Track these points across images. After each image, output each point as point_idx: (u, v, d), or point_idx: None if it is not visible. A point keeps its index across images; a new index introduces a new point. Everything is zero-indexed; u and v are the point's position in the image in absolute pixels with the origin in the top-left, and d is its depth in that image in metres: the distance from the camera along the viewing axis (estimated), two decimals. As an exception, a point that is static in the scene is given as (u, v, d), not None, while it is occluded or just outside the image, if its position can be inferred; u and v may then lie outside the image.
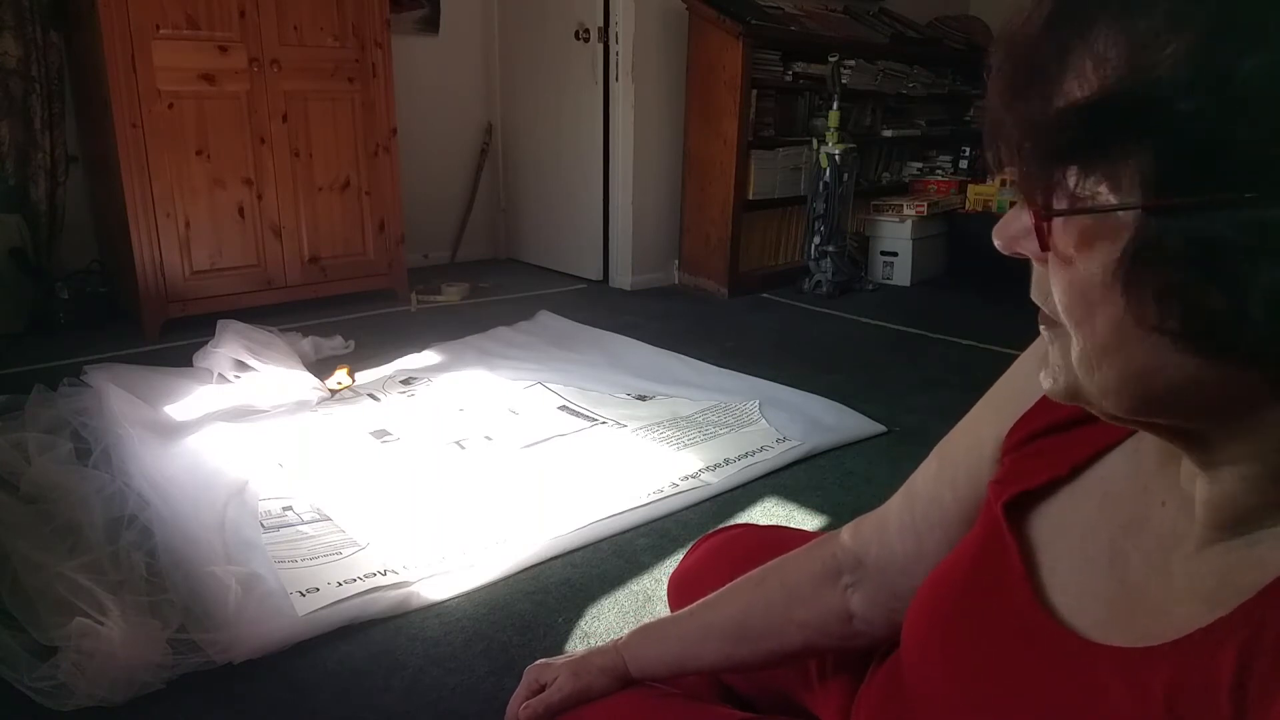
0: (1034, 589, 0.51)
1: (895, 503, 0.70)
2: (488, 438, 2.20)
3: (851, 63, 3.92)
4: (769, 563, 0.76)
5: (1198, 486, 0.43)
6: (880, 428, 2.27)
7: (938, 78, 4.58)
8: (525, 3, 4.08)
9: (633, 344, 3.03)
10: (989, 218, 4.08)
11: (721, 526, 1.09)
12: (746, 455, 2.08)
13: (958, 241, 4.23)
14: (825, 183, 3.72)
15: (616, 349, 2.99)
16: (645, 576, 1.59)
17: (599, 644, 0.83)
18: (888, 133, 4.39)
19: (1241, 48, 0.32)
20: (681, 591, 0.95)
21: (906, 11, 4.65)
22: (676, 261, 4.04)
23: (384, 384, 2.61)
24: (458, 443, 2.17)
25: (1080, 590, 0.49)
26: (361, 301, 3.50)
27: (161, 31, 2.86)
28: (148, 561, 1.55)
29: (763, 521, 1.79)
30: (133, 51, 2.81)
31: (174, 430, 2.16)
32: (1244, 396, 0.37)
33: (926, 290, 4.00)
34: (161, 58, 2.87)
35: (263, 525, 1.74)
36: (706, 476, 1.98)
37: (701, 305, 3.72)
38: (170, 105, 2.92)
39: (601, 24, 3.71)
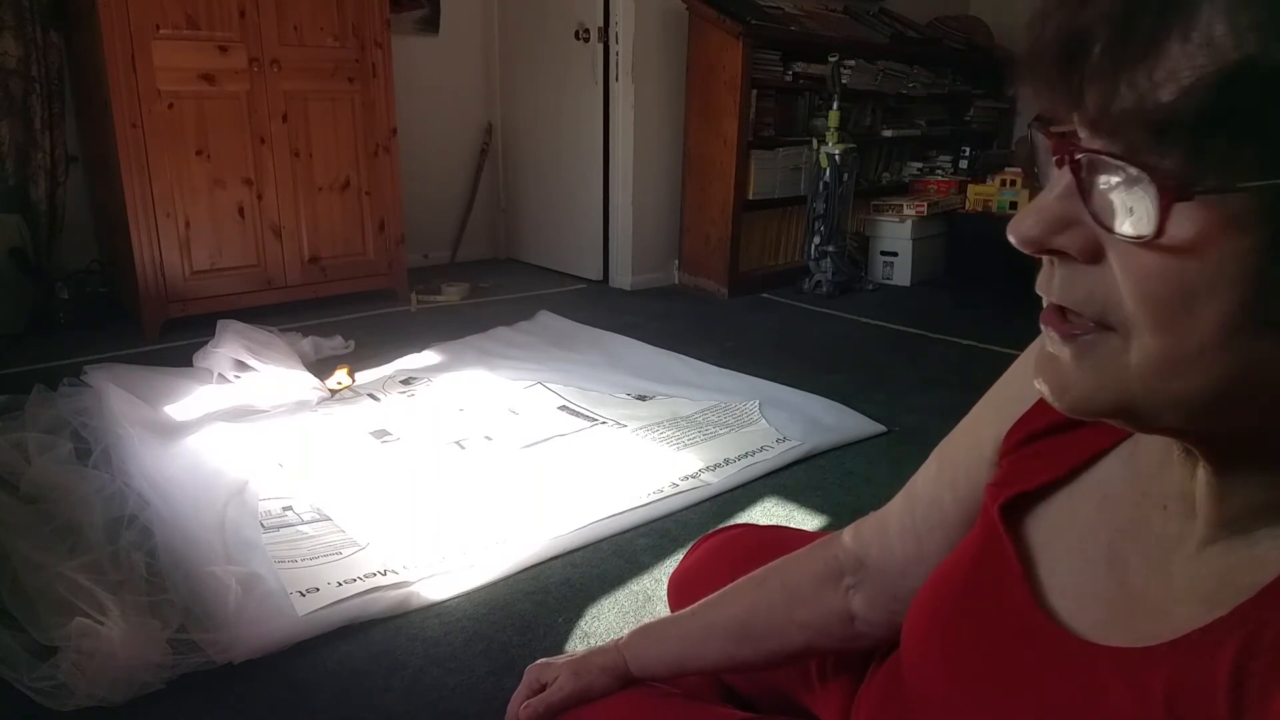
0: (1032, 590, 0.51)
1: (896, 505, 0.70)
2: (488, 438, 2.20)
3: (851, 63, 3.92)
4: (771, 563, 0.76)
5: (1205, 486, 0.43)
6: (880, 428, 2.27)
7: (938, 78, 4.58)
8: (525, 3, 4.08)
9: (633, 344, 3.03)
10: (989, 218, 4.09)
11: (721, 526, 1.09)
12: (746, 455, 2.08)
13: (958, 241, 4.23)
14: (825, 183, 3.72)
15: (616, 349, 2.99)
16: (645, 576, 1.59)
17: (599, 644, 0.83)
18: (888, 133, 4.39)
19: None
20: (681, 591, 0.95)
21: (906, 11, 4.65)
22: (676, 261, 4.04)
23: (384, 384, 2.61)
24: (458, 443, 2.17)
25: (1079, 592, 0.49)
26: (361, 301, 3.50)
27: (161, 31, 2.86)
28: (148, 561, 1.55)
29: (763, 521, 1.79)
30: (133, 51, 2.81)
31: (174, 430, 2.16)
32: None
33: (926, 290, 4.00)
34: (161, 58, 2.87)
35: (263, 525, 1.74)
36: (706, 476, 1.98)
37: (701, 305, 3.72)
38: (170, 105, 2.92)
39: (601, 24, 3.71)
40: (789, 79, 3.82)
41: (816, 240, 3.81)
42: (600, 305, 3.63)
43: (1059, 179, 0.38)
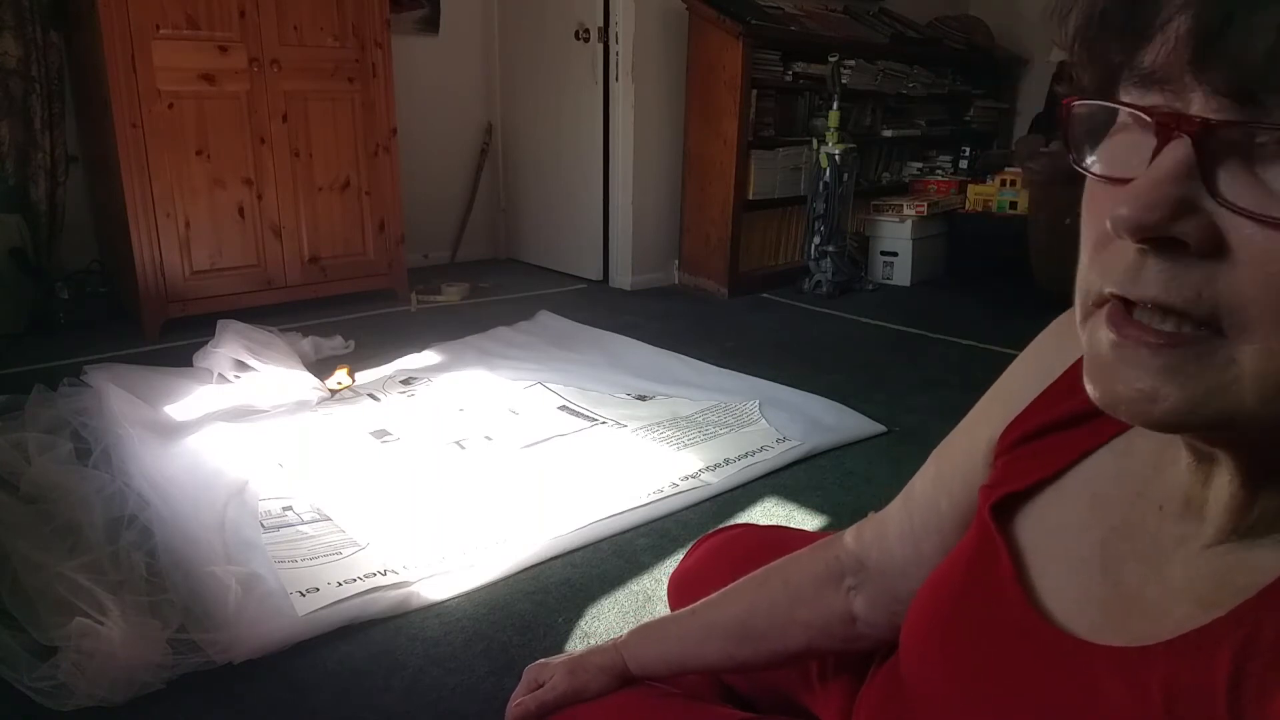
0: (1025, 591, 0.50)
1: (895, 507, 0.70)
2: (488, 438, 2.20)
3: (851, 63, 3.92)
4: (772, 563, 0.76)
5: (1226, 495, 0.41)
6: (880, 428, 2.27)
7: (938, 78, 4.58)
8: (525, 3, 4.08)
9: (633, 344, 3.03)
10: (989, 218, 4.10)
11: (721, 526, 1.09)
12: (746, 455, 2.08)
13: (958, 241, 4.23)
14: (825, 183, 3.72)
15: (616, 349, 2.99)
16: (645, 576, 1.59)
17: (598, 643, 0.83)
18: (888, 133, 4.39)
19: None
20: (681, 591, 0.95)
21: (906, 11, 4.65)
22: (676, 261, 4.04)
23: (384, 384, 2.61)
24: (458, 443, 2.17)
25: (1072, 592, 0.49)
26: (361, 301, 3.50)
27: (161, 31, 2.86)
28: (148, 561, 1.55)
29: (763, 521, 1.79)
30: (133, 51, 2.81)
31: (174, 430, 2.16)
32: None
33: (926, 290, 4.00)
34: (161, 58, 2.87)
35: (263, 525, 1.74)
36: (706, 476, 1.98)
37: (701, 305, 3.72)
38: (170, 105, 2.92)
39: (601, 24, 3.71)
40: (789, 79, 3.82)
41: (816, 240, 3.81)
42: (600, 305, 3.63)
43: (1166, 158, 0.34)
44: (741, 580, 0.77)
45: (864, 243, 4.17)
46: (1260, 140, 0.32)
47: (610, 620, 1.47)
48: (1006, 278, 3.73)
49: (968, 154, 4.67)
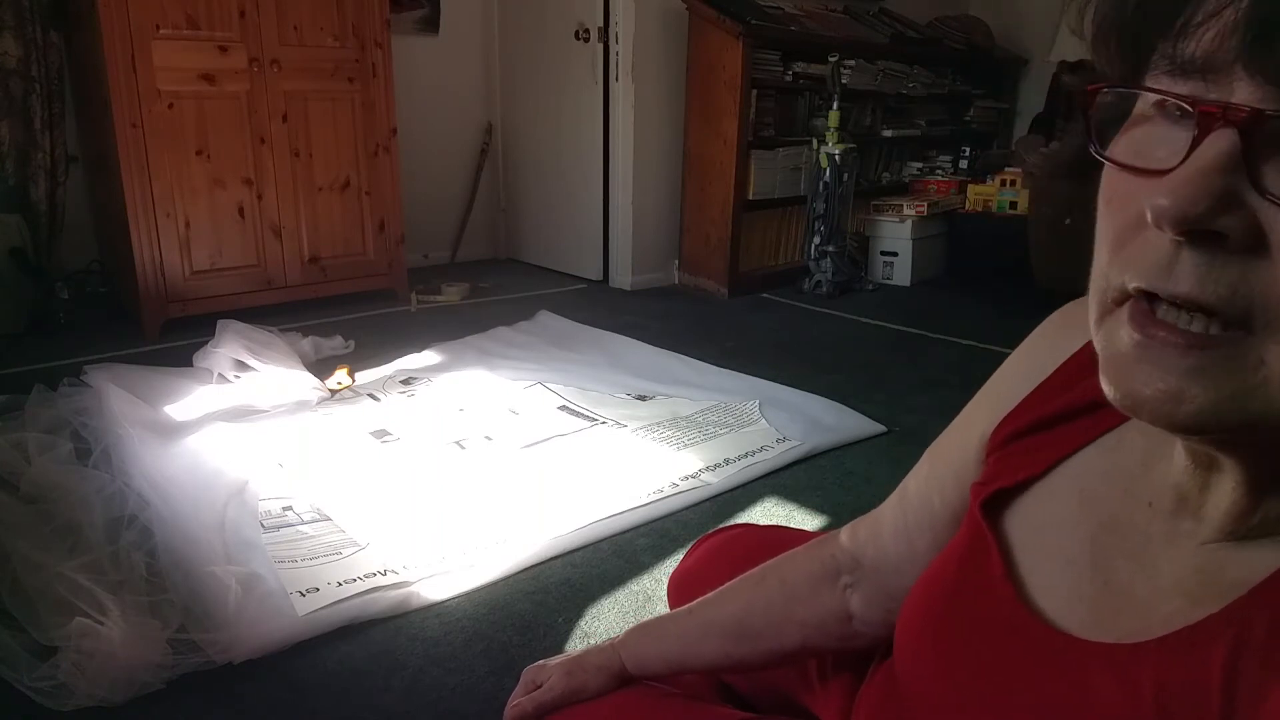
0: (1015, 588, 0.50)
1: (889, 505, 0.70)
2: (488, 438, 2.20)
3: (851, 63, 3.92)
4: (768, 562, 0.76)
5: (1228, 499, 0.41)
6: (880, 428, 2.27)
7: (938, 78, 4.58)
8: (525, 3, 4.08)
9: (633, 344, 3.03)
10: (989, 218, 4.10)
11: (721, 526, 1.09)
12: (746, 455, 2.08)
13: (958, 241, 4.23)
14: (825, 183, 3.72)
15: (616, 349, 2.99)
16: (645, 576, 1.59)
17: (597, 643, 0.83)
18: (888, 133, 4.39)
19: None
20: (681, 591, 0.95)
21: (906, 11, 4.65)
22: (676, 261, 4.04)
23: (384, 384, 2.61)
24: (458, 443, 2.17)
25: (1063, 589, 0.49)
26: (361, 301, 3.50)
27: (161, 31, 2.86)
28: (148, 561, 1.55)
29: (763, 521, 1.79)
30: (133, 51, 2.81)
31: (174, 430, 2.16)
32: None
33: (926, 290, 4.00)
34: (161, 58, 2.87)
35: (263, 525, 1.74)
36: (706, 476, 1.97)
37: (701, 305, 3.72)
38: (170, 105, 2.92)
39: (601, 24, 3.71)
40: (789, 79, 3.82)
41: (816, 240, 3.81)
42: (600, 305, 3.63)
43: (1210, 148, 0.33)
44: (738, 579, 0.77)
45: (864, 243, 4.17)
46: None
47: (610, 620, 1.47)
48: (1006, 278, 3.72)
49: (968, 154, 4.67)
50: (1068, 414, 0.53)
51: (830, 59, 3.73)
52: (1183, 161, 0.33)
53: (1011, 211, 4.03)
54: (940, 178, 4.47)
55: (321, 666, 1.34)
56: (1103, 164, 0.39)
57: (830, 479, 2.00)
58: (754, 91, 3.65)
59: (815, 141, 3.79)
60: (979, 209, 4.16)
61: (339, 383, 2.54)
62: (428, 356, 2.85)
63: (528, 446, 2.14)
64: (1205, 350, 0.34)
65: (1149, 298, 0.36)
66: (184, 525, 1.67)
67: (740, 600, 0.75)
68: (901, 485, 0.69)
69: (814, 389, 2.53)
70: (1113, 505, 0.48)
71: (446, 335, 3.07)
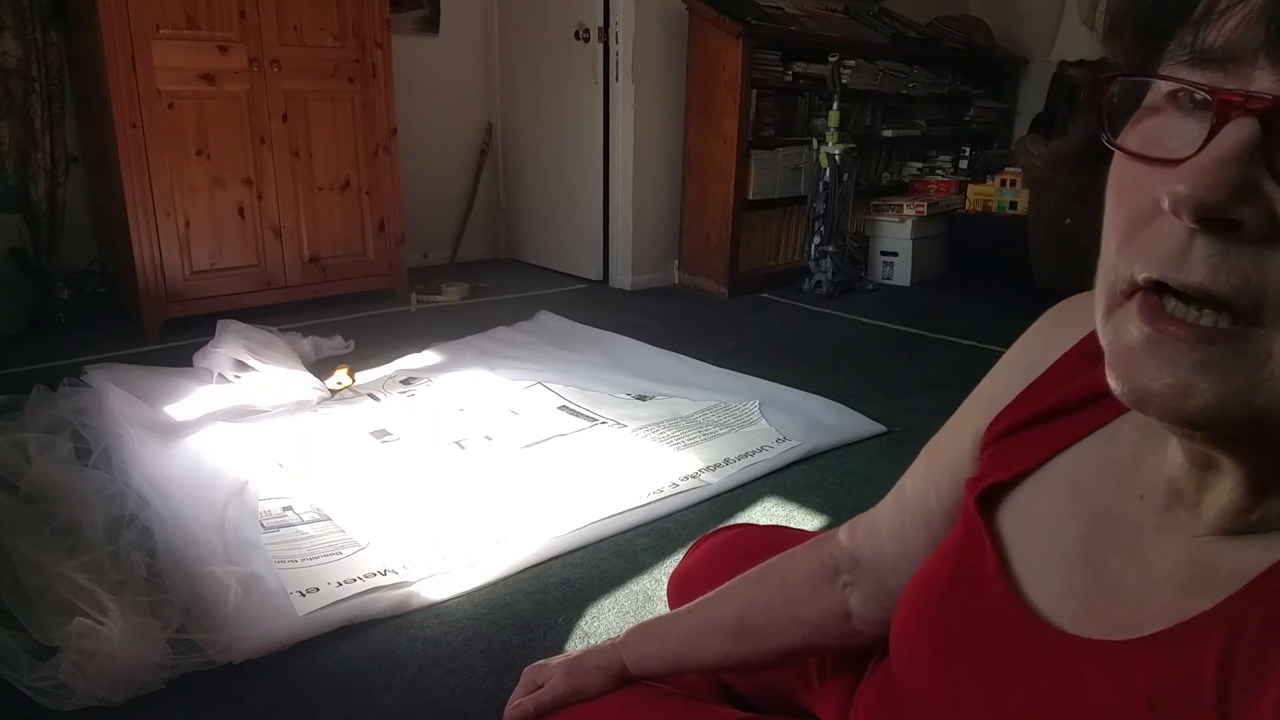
0: (1009, 583, 0.50)
1: (887, 503, 0.70)
2: (488, 438, 2.20)
3: (851, 63, 3.92)
4: (767, 561, 0.76)
5: (1221, 495, 0.41)
6: (880, 428, 2.27)
7: (938, 78, 4.58)
8: (525, 3, 4.08)
9: (633, 344, 3.03)
10: (989, 218, 4.10)
11: (721, 526, 1.09)
12: (746, 455, 2.08)
13: (958, 241, 4.23)
14: (825, 183, 3.72)
15: (616, 349, 2.99)
16: (645, 576, 1.59)
17: (597, 643, 0.83)
18: (888, 133, 4.39)
19: None
20: (681, 591, 0.95)
21: (906, 11, 4.65)
22: (676, 261, 4.04)
23: (384, 384, 2.61)
24: (458, 443, 2.17)
25: (1056, 584, 0.49)
26: (361, 301, 3.50)
27: (161, 31, 2.86)
28: (148, 561, 1.55)
29: (763, 521, 1.79)
30: (133, 51, 2.81)
31: (174, 430, 2.16)
32: None
33: (926, 290, 4.00)
34: (161, 58, 2.87)
35: (263, 525, 1.74)
36: (706, 476, 1.97)
37: (701, 305, 3.72)
38: (170, 105, 2.92)
39: (601, 24, 3.71)
40: (789, 79, 3.82)
41: (816, 240, 3.81)
42: (600, 305, 3.63)
43: (1229, 136, 0.33)
44: (738, 579, 0.77)
45: (864, 243, 4.17)
46: None
47: (610, 620, 1.47)
48: (1006, 278, 3.72)
49: (968, 154, 4.67)
50: (1062, 408, 0.53)
51: (830, 59, 3.73)
52: (1199, 150, 0.33)
53: (1011, 211, 4.03)
54: (940, 178, 4.47)
55: (321, 666, 1.34)
56: (1109, 157, 0.39)
57: (830, 479, 2.00)
58: (754, 91, 3.65)
59: (815, 141, 3.79)
60: (979, 209, 4.16)
61: (339, 383, 2.54)
62: (428, 356, 2.85)
63: (528, 446, 2.14)
64: (1214, 344, 0.34)
65: (1158, 291, 0.36)
66: (184, 525, 1.67)
67: (740, 600, 0.75)
68: (899, 483, 0.69)
69: (814, 389, 2.53)
70: (1105, 499, 0.48)
71: (446, 335, 3.07)
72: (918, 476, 0.67)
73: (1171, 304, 0.35)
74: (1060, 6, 4.50)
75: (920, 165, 4.64)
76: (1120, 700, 0.41)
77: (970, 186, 4.23)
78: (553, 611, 1.49)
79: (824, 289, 3.81)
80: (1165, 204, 0.34)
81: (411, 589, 1.52)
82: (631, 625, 0.82)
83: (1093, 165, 0.41)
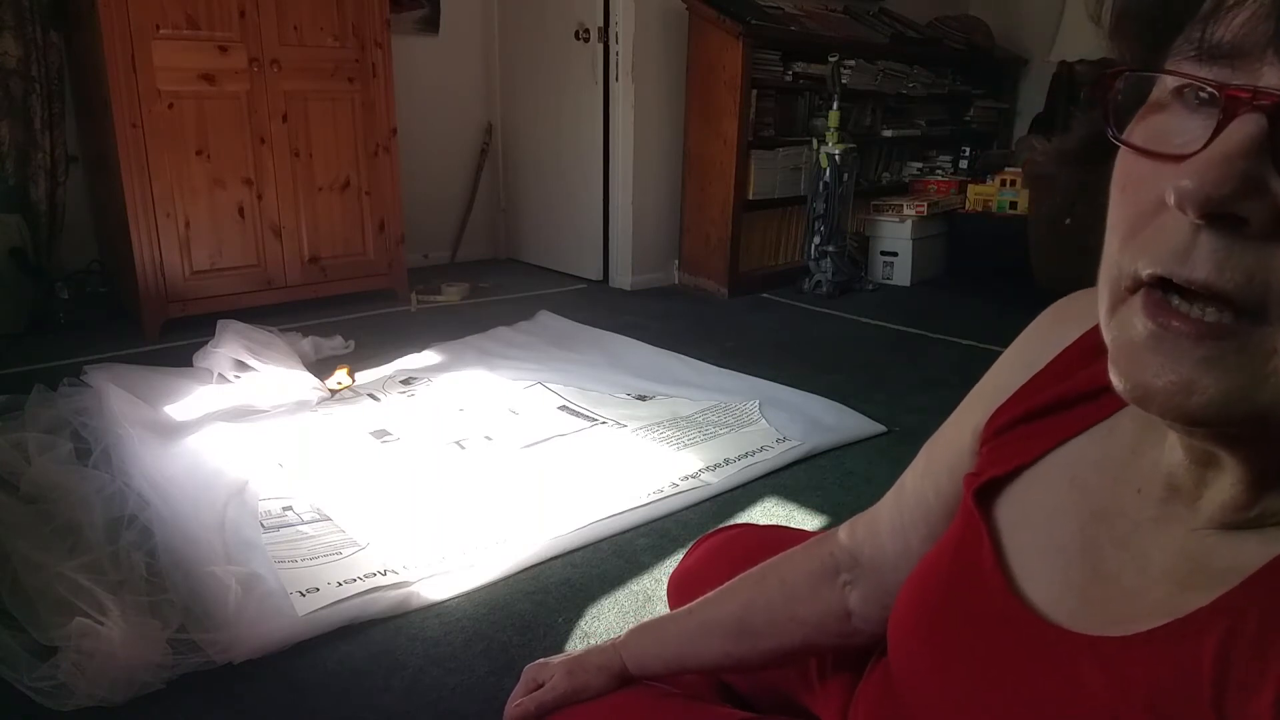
0: (1006, 578, 0.50)
1: (887, 501, 0.70)
2: (488, 438, 2.20)
3: (851, 63, 3.92)
4: (767, 561, 0.76)
5: (1221, 491, 0.41)
6: (880, 428, 2.27)
7: (938, 78, 4.58)
8: (525, 3, 4.08)
9: (633, 344, 3.03)
10: (989, 218, 4.10)
11: (721, 526, 1.09)
12: (746, 455, 2.08)
13: (958, 241, 4.23)
14: (825, 183, 3.72)
15: (616, 349, 2.99)
16: (645, 576, 1.59)
17: (598, 643, 0.83)
18: (888, 133, 4.39)
19: None
20: (681, 591, 0.95)
21: (906, 11, 4.65)
22: (676, 261, 4.04)
23: (384, 384, 2.61)
24: (458, 443, 2.17)
25: (1053, 579, 0.49)
26: (361, 301, 3.50)
27: (161, 31, 2.86)
28: (148, 561, 1.55)
29: (763, 521, 1.79)
30: (133, 51, 2.81)
31: (174, 430, 2.16)
32: None
33: (926, 290, 4.00)
34: (161, 58, 2.87)
35: (263, 525, 1.74)
36: (706, 476, 1.97)
37: (701, 305, 3.72)
38: (170, 105, 2.92)
39: (601, 24, 3.71)
40: (789, 79, 3.82)
41: (816, 240, 3.81)
42: (600, 305, 3.63)
43: (1236, 131, 0.33)
44: (738, 579, 0.77)
45: (864, 243, 4.17)
46: None
47: (610, 620, 1.47)
48: (1006, 278, 3.72)
49: (968, 154, 4.67)
50: (1061, 403, 0.53)
51: (830, 59, 3.73)
52: (1206, 145, 0.33)
53: (1011, 211, 4.03)
54: (940, 178, 4.47)
55: (321, 666, 1.34)
56: (1113, 153, 0.39)
57: (830, 479, 2.00)
58: (754, 91, 3.65)
59: (815, 141, 3.79)
60: (979, 209, 4.16)
61: (339, 383, 2.54)
62: (428, 356, 2.85)
63: (528, 446, 2.14)
64: (1218, 340, 0.34)
65: (1162, 287, 0.36)
66: (184, 525, 1.67)
67: (740, 599, 0.75)
68: (899, 482, 0.69)
69: (814, 389, 2.53)
70: (1102, 494, 0.48)
71: (446, 335, 3.07)
72: (917, 474, 0.67)
73: (1175, 300, 0.35)
74: (1060, 6, 4.50)
75: (920, 165, 4.64)
76: (1117, 698, 0.41)
77: (970, 186, 4.23)
78: (553, 611, 1.49)
79: (824, 289, 3.81)
80: (1171, 199, 0.34)
81: (411, 589, 1.52)
82: (631, 625, 0.82)
83: (1096, 161, 0.40)
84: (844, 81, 3.80)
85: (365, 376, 2.65)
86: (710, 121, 3.70)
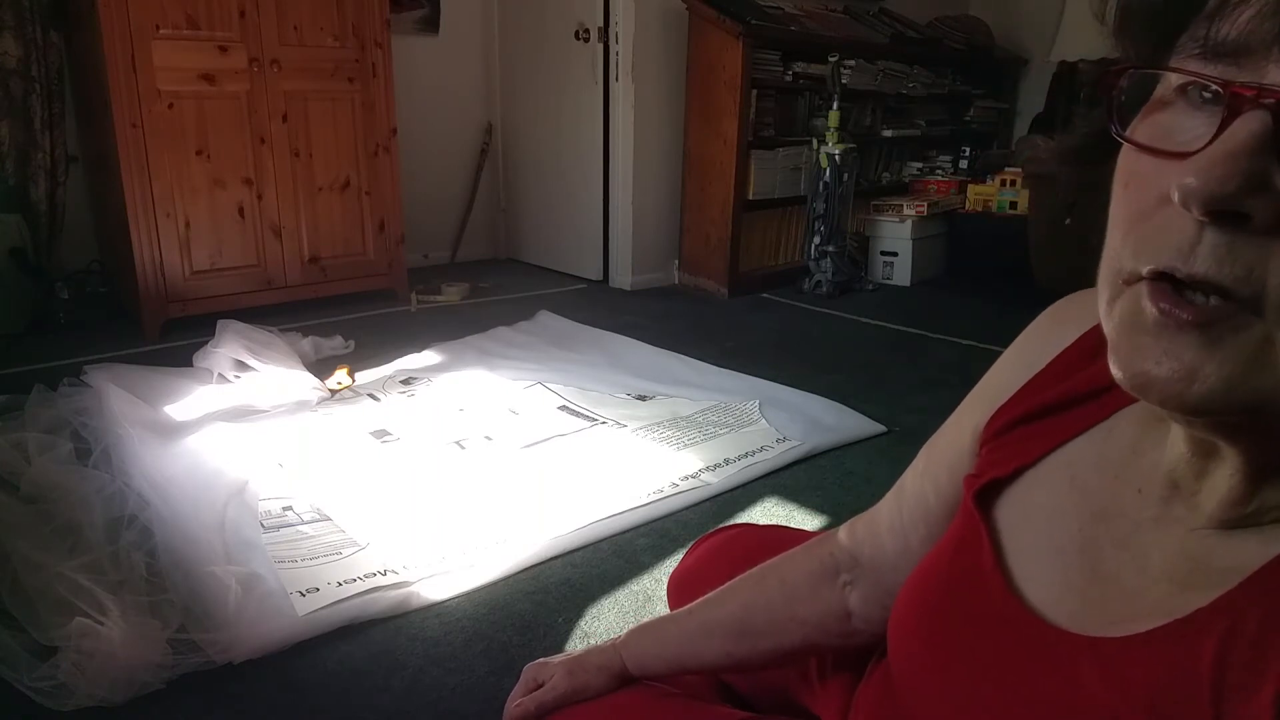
0: (1006, 579, 0.50)
1: (887, 502, 0.70)
2: (488, 438, 2.20)
3: (851, 63, 3.92)
4: (768, 561, 0.76)
5: (1220, 484, 0.41)
6: (880, 428, 2.27)
7: (938, 78, 4.58)
8: (525, 3, 4.08)
9: (633, 344, 3.03)
10: (989, 218, 4.10)
11: (721, 526, 1.09)
12: (746, 455, 2.08)
13: (958, 241, 4.23)
14: (825, 183, 3.72)
15: (616, 349, 2.99)
16: (645, 576, 1.59)
17: (598, 643, 0.83)
18: (888, 133, 4.39)
19: None
20: (681, 591, 0.95)
21: (906, 11, 4.65)
22: (676, 261, 4.04)
23: (384, 384, 2.61)
24: (458, 443, 2.17)
25: (1053, 580, 0.49)
26: (361, 301, 3.50)
27: (161, 31, 2.86)
28: (148, 561, 1.55)
29: (763, 521, 1.79)
30: (133, 51, 2.81)
31: (174, 430, 2.16)
32: None
33: (926, 290, 4.00)
34: (161, 58, 2.87)
35: (263, 525, 1.74)
36: (706, 476, 1.97)
37: (701, 305, 3.72)
38: (170, 105, 2.92)
39: (601, 24, 3.71)
40: (789, 79, 3.82)
41: (816, 240, 3.81)
42: (600, 305, 3.63)
43: (1242, 129, 0.33)
44: (738, 579, 0.77)
45: (864, 243, 4.17)
46: None
47: (610, 620, 1.47)
48: (1006, 278, 3.73)
49: (968, 154, 4.67)
50: (1062, 403, 0.53)
51: (830, 59, 3.73)
52: (1210, 142, 0.33)
53: (1011, 211, 4.03)
54: (940, 178, 4.47)
55: (321, 666, 1.34)
56: (1116, 151, 0.39)
57: (830, 479, 2.00)
58: (754, 91, 3.65)
59: (815, 141, 3.79)
60: (979, 209, 4.16)
61: (339, 383, 2.54)
62: (428, 356, 2.85)
63: (528, 446, 2.14)
64: (1217, 324, 0.34)
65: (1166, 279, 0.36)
66: (184, 525, 1.67)
67: (740, 600, 0.75)
68: (899, 482, 0.69)
69: (814, 389, 2.53)
70: (1102, 494, 0.48)
71: (446, 335, 3.07)
72: (917, 474, 0.67)
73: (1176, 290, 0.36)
74: (1060, 6, 4.50)
75: (920, 165, 4.64)
76: (1117, 698, 0.41)
77: (970, 186, 4.23)
78: (553, 611, 1.49)
79: (824, 289, 3.81)
80: (1175, 197, 0.34)
81: (411, 589, 1.52)
82: (631, 625, 0.82)
83: (1099, 159, 0.41)
84: (844, 81, 3.80)
85: (365, 376, 2.65)
86: (710, 121, 3.70)
